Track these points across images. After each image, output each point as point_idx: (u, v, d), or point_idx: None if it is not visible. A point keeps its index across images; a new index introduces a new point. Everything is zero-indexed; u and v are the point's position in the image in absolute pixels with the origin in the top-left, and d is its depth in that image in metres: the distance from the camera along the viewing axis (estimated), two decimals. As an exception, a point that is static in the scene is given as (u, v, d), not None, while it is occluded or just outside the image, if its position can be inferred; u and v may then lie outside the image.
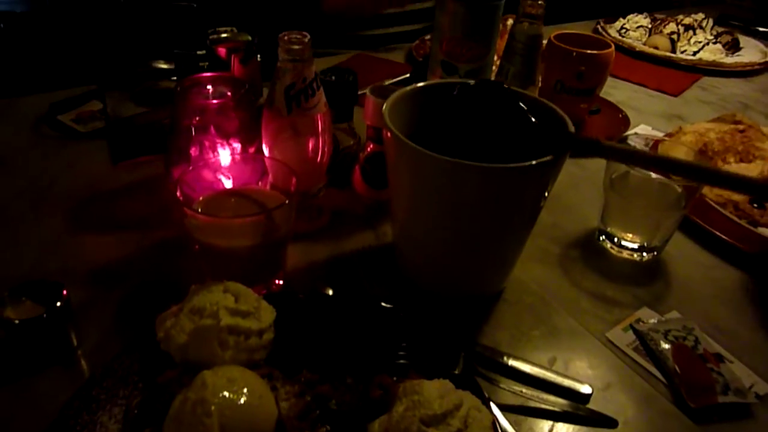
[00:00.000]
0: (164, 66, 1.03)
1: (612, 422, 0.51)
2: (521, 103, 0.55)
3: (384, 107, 0.57)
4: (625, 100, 1.13)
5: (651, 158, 0.61)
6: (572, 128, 0.56)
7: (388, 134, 0.54)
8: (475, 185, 0.51)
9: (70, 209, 0.73)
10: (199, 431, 0.39)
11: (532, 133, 0.56)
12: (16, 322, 0.51)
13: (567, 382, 0.54)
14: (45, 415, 0.47)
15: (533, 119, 0.55)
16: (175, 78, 0.99)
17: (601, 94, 1.03)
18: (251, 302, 0.49)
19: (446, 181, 0.52)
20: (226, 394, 0.41)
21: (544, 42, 0.96)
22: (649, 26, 1.47)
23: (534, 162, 0.50)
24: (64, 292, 0.53)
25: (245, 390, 0.42)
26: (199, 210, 0.55)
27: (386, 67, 1.15)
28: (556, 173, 0.54)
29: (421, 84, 0.61)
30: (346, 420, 0.45)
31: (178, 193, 0.55)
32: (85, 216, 0.72)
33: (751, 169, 0.90)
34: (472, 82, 0.58)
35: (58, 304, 0.52)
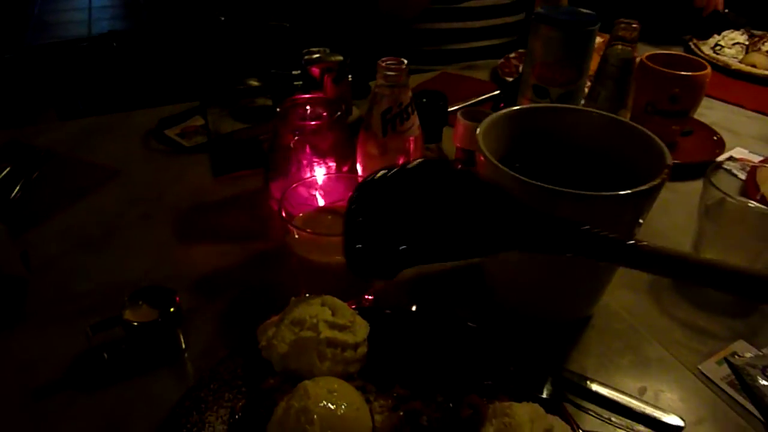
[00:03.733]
0: (259, 84, 1.09)
1: (705, 458, 0.51)
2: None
3: (478, 131, 0.58)
4: (720, 121, 1.09)
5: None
6: (670, 160, 0.55)
7: (482, 158, 0.56)
8: (568, 212, 0.52)
9: (177, 219, 0.78)
10: (302, 437, 0.42)
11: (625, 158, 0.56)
12: (135, 324, 0.56)
13: (657, 413, 0.53)
14: (156, 411, 0.52)
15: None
16: (269, 95, 1.04)
17: (695, 115, 1.00)
18: (347, 316, 0.52)
19: (539, 207, 0.52)
20: (327, 404, 0.44)
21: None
22: (747, 43, 1.40)
23: (629, 191, 0.50)
24: (177, 298, 0.58)
25: (344, 401, 0.44)
26: (300, 226, 0.59)
27: (471, 86, 1.16)
28: (650, 202, 0.54)
29: (514, 108, 0.62)
30: (437, 437, 0.46)
31: (282, 212, 0.59)
32: (191, 226, 0.78)
33: None
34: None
35: (172, 309, 0.57)
